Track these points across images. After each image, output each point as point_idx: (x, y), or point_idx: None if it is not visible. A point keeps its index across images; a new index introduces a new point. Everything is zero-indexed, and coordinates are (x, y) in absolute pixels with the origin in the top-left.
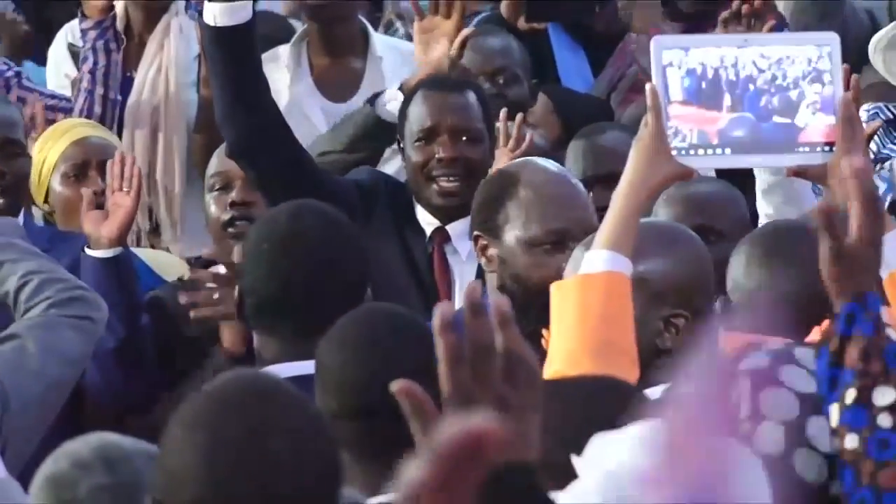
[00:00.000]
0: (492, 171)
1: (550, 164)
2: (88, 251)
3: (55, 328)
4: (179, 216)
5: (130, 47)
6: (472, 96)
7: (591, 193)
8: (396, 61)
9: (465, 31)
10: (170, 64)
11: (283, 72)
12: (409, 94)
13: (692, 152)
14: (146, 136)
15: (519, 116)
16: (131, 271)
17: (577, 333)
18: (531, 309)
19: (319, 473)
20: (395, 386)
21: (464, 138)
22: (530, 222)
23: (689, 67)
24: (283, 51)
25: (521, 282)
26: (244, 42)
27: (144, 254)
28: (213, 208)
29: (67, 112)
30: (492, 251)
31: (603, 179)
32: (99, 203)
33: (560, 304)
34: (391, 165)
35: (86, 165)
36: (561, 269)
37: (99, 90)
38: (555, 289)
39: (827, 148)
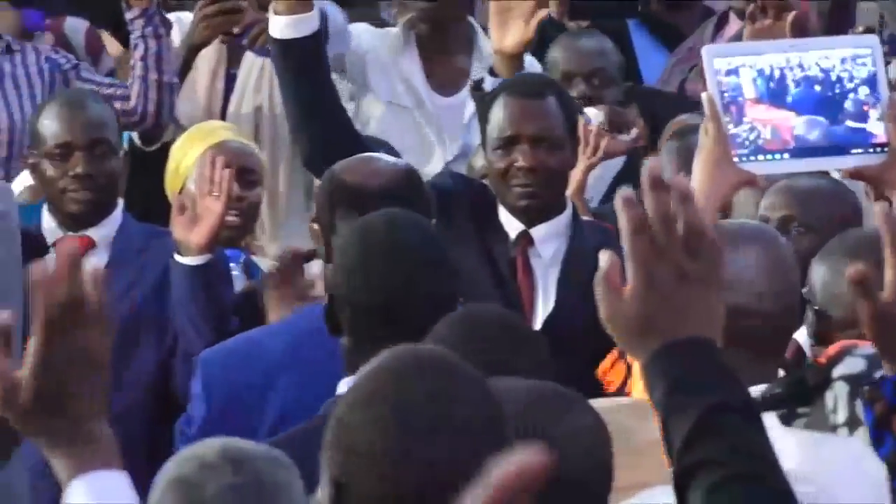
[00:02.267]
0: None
1: None
2: (178, 258)
3: None
4: (282, 215)
5: (233, 45)
6: (552, 101)
7: None
8: None
9: (541, 13)
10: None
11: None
12: (491, 97)
13: (752, 158)
14: (249, 135)
15: (596, 126)
16: (221, 277)
17: None
18: None
19: (498, 437)
20: None
21: (544, 146)
22: None
23: (759, 68)
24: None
25: None
26: (311, 54)
27: None
28: None
29: (125, 99)
30: None
31: None
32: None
33: None
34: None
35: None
36: None
37: (153, 75)
38: None
39: (879, 149)
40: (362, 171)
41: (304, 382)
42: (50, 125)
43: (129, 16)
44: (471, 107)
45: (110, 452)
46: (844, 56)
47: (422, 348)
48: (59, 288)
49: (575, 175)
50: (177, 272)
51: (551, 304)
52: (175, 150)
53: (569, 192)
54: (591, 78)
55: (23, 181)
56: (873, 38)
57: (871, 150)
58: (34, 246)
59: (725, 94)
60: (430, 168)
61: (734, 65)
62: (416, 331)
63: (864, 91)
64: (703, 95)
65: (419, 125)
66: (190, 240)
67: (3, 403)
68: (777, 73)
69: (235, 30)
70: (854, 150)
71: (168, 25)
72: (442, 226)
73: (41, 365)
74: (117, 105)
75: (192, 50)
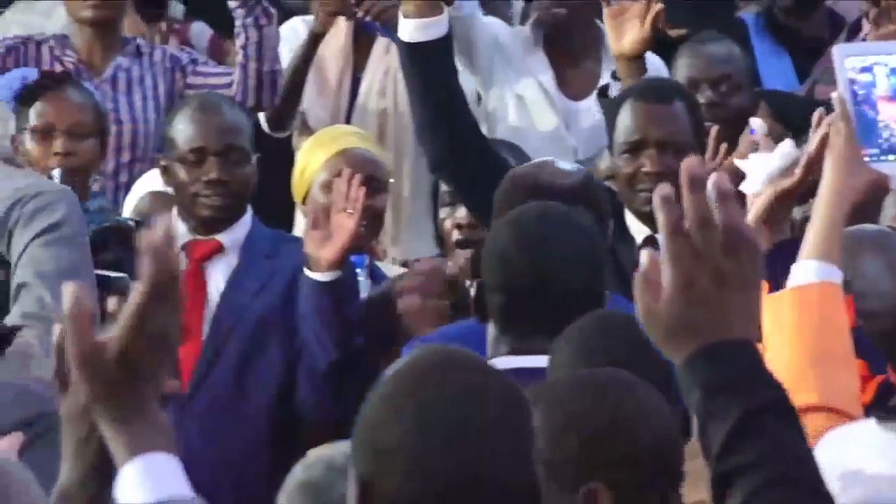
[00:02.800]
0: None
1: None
2: (308, 272)
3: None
4: (406, 219)
5: (359, 48)
6: (680, 106)
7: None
8: None
9: (656, 8)
10: (398, 67)
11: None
12: (617, 100)
13: (884, 158)
14: (373, 138)
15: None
16: (348, 293)
17: (797, 346)
18: None
19: (523, 437)
20: None
21: (671, 152)
22: None
23: (892, 66)
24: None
25: None
26: (440, 57)
27: None
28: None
29: (229, 87)
30: None
31: None
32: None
33: (775, 316)
34: None
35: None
36: None
37: (253, 65)
38: (768, 302)
39: None
40: (551, 171)
41: None
42: (184, 129)
43: (231, 4)
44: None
45: (166, 436)
46: None
47: (446, 350)
48: (166, 259)
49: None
50: (305, 286)
51: None
52: (302, 154)
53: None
54: (718, 84)
55: (144, 186)
56: None
57: None
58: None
59: (859, 93)
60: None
61: (868, 63)
62: (562, 321)
63: None
64: (834, 95)
65: (551, 123)
66: (321, 255)
67: (82, 364)
68: None
69: (360, 14)
70: None
71: (270, 15)
72: None
73: (133, 330)
74: (222, 92)
75: (313, 38)
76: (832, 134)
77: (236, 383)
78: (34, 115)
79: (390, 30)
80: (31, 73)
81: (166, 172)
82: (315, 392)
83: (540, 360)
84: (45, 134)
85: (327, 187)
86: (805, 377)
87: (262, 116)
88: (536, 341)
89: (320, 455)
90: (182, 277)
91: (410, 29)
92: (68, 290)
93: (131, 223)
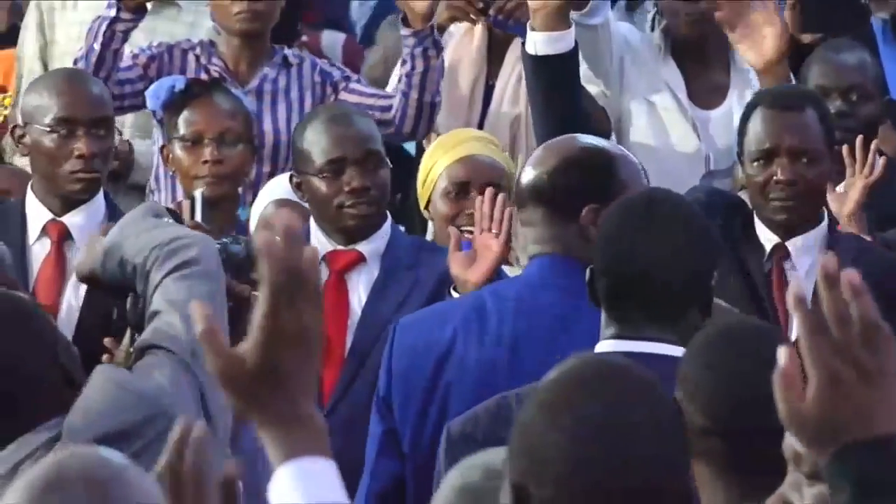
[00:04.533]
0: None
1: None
2: (455, 295)
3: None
4: None
5: (493, 56)
6: (811, 114)
7: None
8: None
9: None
10: None
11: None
12: (748, 108)
13: None
14: (505, 147)
15: (859, 140)
16: None
17: None
18: None
19: (676, 444)
20: None
21: (803, 160)
22: (639, 185)
23: None
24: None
25: None
26: (565, 71)
27: None
28: None
29: (386, 110)
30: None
31: None
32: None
33: None
34: None
35: (467, 185)
36: None
37: (414, 94)
38: None
39: None
40: None
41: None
42: (319, 141)
43: (403, 33)
44: (733, 120)
45: (322, 440)
46: None
47: (601, 358)
48: (284, 258)
49: (853, 195)
50: None
51: None
52: (425, 160)
53: (846, 211)
54: (849, 93)
55: (269, 194)
56: None
57: None
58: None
59: None
60: (694, 171)
61: None
62: (666, 308)
63: None
64: None
65: (683, 128)
66: (468, 279)
67: (225, 378)
68: None
69: (491, 12)
70: None
71: (439, 48)
72: None
73: (266, 335)
74: (377, 115)
75: None
76: None
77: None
78: (183, 123)
79: (523, 29)
80: (179, 81)
81: (301, 188)
82: None
83: (643, 346)
84: (194, 142)
85: (447, 195)
86: None
87: None
88: (641, 327)
89: (476, 461)
90: (322, 286)
91: (537, 42)
92: (197, 310)
93: (240, 248)
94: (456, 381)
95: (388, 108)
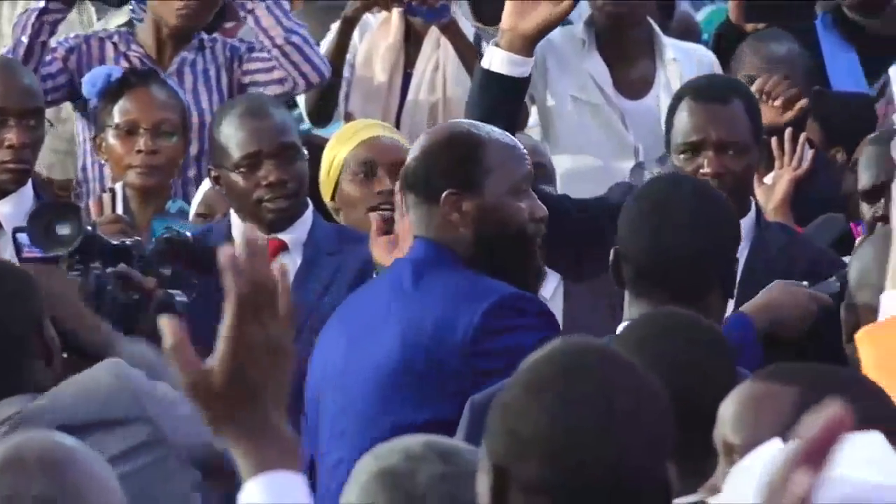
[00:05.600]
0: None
1: None
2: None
3: None
4: None
5: (410, 45)
6: (738, 106)
7: (883, 199)
8: (690, 64)
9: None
10: (447, 61)
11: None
12: (675, 100)
13: None
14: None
15: (788, 132)
16: None
17: None
18: (513, 252)
19: (659, 429)
20: None
21: (730, 152)
22: (509, 170)
23: None
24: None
25: (507, 227)
26: (515, 93)
27: None
28: None
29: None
30: (467, 206)
31: None
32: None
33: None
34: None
35: (374, 165)
36: (531, 212)
37: (267, 43)
38: (872, 333)
39: None
40: None
41: None
42: (235, 136)
43: None
44: (662, 111)
45: (292, 453)
46: None
47: (588, 341)
48: (247, 271)
49: (780, 188)
50: None
51: None
52: (326, 153)
53: (773, 204)
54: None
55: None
56: None
57: None
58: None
59: None
60: (624, 163)
61: None
62: (692, 287)
63: None
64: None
65: (610, 122)
66: (389, 263)
67: (193, 392)
68: None
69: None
70: None
71: None
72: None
73: (232, 349)
74: (276, 74)
75: (346, 24)
76: None
77: (301, 384)
78: (118, 112)
79: (439, 16)
80: (116, 71)
81: (220, 181)
82: None
83: None
84: (129, 131)
85: (356, 178)
86: None
87: (303, 109)
88: (664, 307)
89: (390, 446)
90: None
91: (497, 59)
92: (164, 324)
93: (188, 235)
94: None
95: (278, 67)
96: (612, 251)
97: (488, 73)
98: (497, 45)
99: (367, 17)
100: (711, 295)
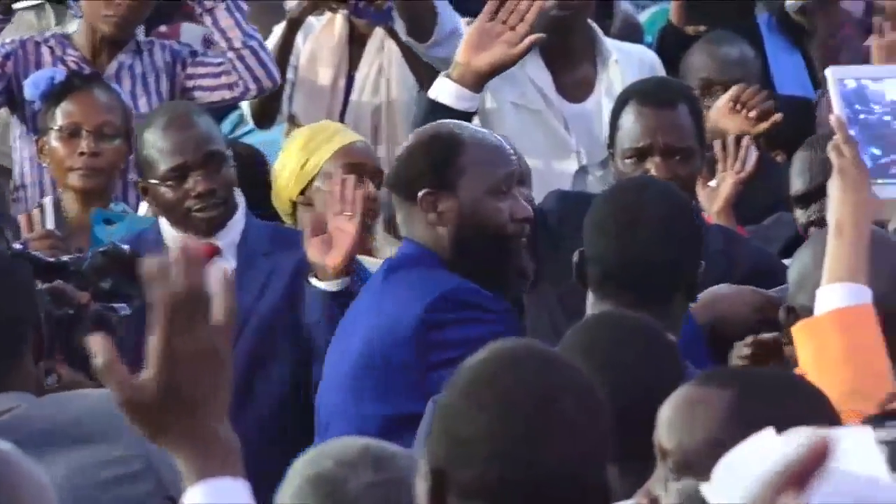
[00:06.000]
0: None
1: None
2: (315, 282)
3: None
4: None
5: (354, 47)
6: (684, 110)
7: (815, 204)
8: (632, 65)
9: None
10: (391, 64)
11: None
12: (620, 103)
13: (873, 182)
14: (367, 136)
15: (746, 139)
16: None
17: (846, 368)
18: (492, 252)
19: (601, 434)
20: None
21: (676, 157)
22: (487, 170)
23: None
24: None
25: (484, 228)
26: None
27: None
28: None
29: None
30: (444, 206)
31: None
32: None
33: (818, 342)
34: None
35: (358, 170)
36: (513, 213)
37: (224, 45)
38: (805, 328)
39: None
40: None
41: None
42: (159, 148)
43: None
44: (604, 114)
45: (233, 459)
46: None
47: (527, 343)
48: (174, 280)
49: (723, 191)
50: (313, 296)
51: None
52: (294, 152)
53: (716, 207)
54: (732, 86)
55: None
56: None
57: None
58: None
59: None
60: (567, 167)
61: (864, 82)
62: (655, 291)
63: None
64: (832, 118)
65: (551, 127)
66: (327, 264)
67: (130, 407)
68: None
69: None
70: None
71: None
72: (546, 250)
73: (163, 361)
74: (224, 79)
75: (290, 25)
76: (835, 158)
77: (245, 387)
78: (61, 114)
79: (383, 18)
80: (59, 73)
81: (148, 193)
82: None
83: None
84: (72, 134)
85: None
86: (856, 401)
87: (246, 111)
88: (629, 311)
89: (326, 450)
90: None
91: (446, 90)
92: (94, 343)
93: (125, 248)
94: None
95: (230, 71)
96: (576, 252)
97: (434, 104)
98: (448, 76)
99: (311, 18)
100: (675, 298)
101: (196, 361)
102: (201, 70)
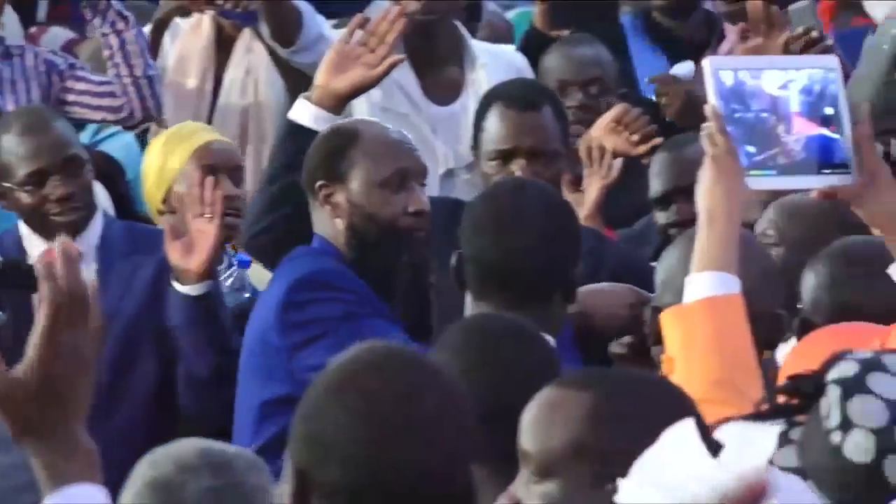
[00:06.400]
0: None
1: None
2: (177, 286)
3: None
4: None
5: (221, 50)
6: (548, 113)
7: (675, 205)
8: (499, 67)
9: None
10: (258, 66)
11: None
12: (484, 105)
13: (747, 173)
14: (235, 138)
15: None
16: (222, 299)
17: (713, 357)
18: (384, 245)
19: (464, 434)
20: None
21: (541, 160)
22: (381, 163)
23: (804, 84)
24: None
25: (374, 220)
26: None
27: None
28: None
29: (114, 96)
30: (338, 198)
31: (687, 191)
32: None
33: (686, 329)
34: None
35: (214, 170)
36: (407, 206)
37: (124, 72)
38: (674, 315)
39: (844, 170)
40: None
41: None
42: (16, 153)
43: (86, 16)
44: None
45: (92, 465)
46: (815, 74)
47: (390, 344)
48: (62, 278)
49: (590, 195)
50: (175, 300)
51: None
52: (155, 155)
53: (583, 213)
54: (588, 87)
55: None
56: (834, 59)
57: (838, 170)
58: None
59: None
60: (434, 171)
61: (741, 76)
62: (532, 292)
63: (829, 110)
64: (707, 108)
65: (418, 131)
66: (189, 267)
67: (3, 401)
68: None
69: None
70: (825, 171)
71: (126, 19)
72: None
73: (44, 357)
74: (106, 102)
75: (157, 25)
76: (708, 147)
77: (110, 391)
78: None
79: (251, 18)
80: None
81: (6, 198)
82: (199, 399)
83: None
84: None
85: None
86: (722, 389)
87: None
88: (506, 312)
89: (167, 453)
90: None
91: (306, 111)
92: None
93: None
94: None
95: (116, 94)
96: (454, 254)
97: (293, 125)
98: (308, 98)
99: (178, 20)
100: (554, 300)
101: (72, 361)
102: (81, 86)
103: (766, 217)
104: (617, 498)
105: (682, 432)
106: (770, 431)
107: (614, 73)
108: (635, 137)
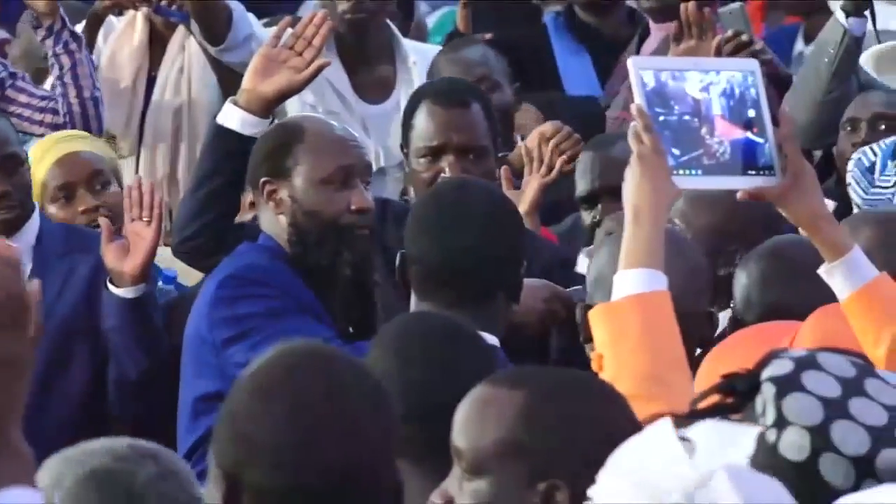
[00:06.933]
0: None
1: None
2: (112, 288)
3: None
4: None
5: (154, 48)
6: (477, 109)
7: (601, 205)
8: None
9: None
10: (192, 64)
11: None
12: (413, 102)
13: (674, 173)
14: (169, 136)
15: (553, 142)
16: (155, 303)
17: (644, 354)
18: (327, 242)
19: (388, 432)
20: None
21: (470, 156)
22: (324, 160)
23: (724, 87)
24: None
25: (316, 217)
26: (243, 154)
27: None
28: None
29: (56, 113)
30: (281, 194)
31: (612, 191)
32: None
33: (616, 326)
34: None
35: (73, 186)
36: (349, 204)
37: (72, 93)
38: (603, 312)
39: (769, 172)
40: None
41: None
42: None
43: (39, 35)
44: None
45: (28, 469)
46: (736, 77)
47: (315, 345)
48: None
49: (528, 194)
50: (110, 302)
51: None
52: (34, 166)
53: (523, 209)
54: (478, 85)
55: None
56: (754, 62)
57: (763, 172)
58: None
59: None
60: None
61: (664, 78)
62: (476, 291)
63: (751, 112)
64: (633, 107)
65: (352, 127)
66: (124, 270)
67: None
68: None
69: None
70: (750, 172)
71: (78, 40)
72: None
73: None
74: (48, 118)
75: (91, 22)
76: (635, 145)
77: (43, 390)
78: None
79: (185, 17)
80: None
81: None
82: (127, 400)
83: None
84: None
85: (58, 201)
86: (653, 385)
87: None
88: (450, 312)
89: (98, 445)
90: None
91: (233, 117)
92: None
93: None
94: None
95: (58, 111)
96: (398, 254)
97: (220, 128)
98: (235, 102)
99: (111, 18)
100: (497, 299)
101: (8, 365)
102: (23, 98)
103: (675, 207)
104: (593, 496)
105: (659, 431)
106: (748, 431)
107: (502, 72)
108: (565, 157)
